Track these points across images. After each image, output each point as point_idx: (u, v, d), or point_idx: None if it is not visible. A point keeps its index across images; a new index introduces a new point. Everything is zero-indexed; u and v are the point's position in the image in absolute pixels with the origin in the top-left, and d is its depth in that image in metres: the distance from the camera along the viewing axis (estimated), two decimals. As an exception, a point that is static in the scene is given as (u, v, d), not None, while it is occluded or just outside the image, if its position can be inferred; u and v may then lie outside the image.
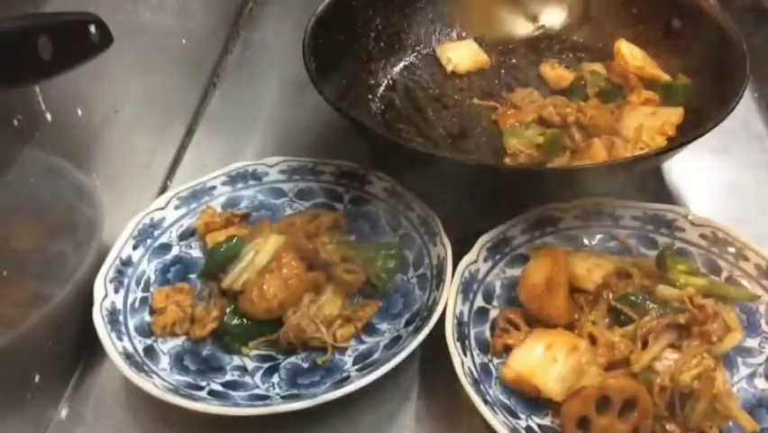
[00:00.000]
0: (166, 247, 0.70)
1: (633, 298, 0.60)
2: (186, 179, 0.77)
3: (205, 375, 0.61)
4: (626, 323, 0.59)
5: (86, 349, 0.65)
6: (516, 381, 0.57)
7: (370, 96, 0.89)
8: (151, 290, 0.67)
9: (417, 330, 0.59)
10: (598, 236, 0.69)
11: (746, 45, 0.73)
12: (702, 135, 0.65)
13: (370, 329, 0.65)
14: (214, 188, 0.74)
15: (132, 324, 0.63)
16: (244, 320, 0.63)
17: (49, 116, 0.57)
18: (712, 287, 0.62)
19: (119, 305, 0.63)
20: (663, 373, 0.55)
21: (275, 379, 0.62)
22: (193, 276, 0.69)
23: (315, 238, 0.68)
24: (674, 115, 0.77)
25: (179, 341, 0.64)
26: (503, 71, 0.92)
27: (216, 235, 0.69)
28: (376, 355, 0.62)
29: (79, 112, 0.63)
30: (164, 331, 0.63)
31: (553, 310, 0.60)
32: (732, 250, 0.65)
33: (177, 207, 0.72)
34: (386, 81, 0.91)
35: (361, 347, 0.64)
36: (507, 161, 0.77)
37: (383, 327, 0.65)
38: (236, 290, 0.63)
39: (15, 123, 0.53)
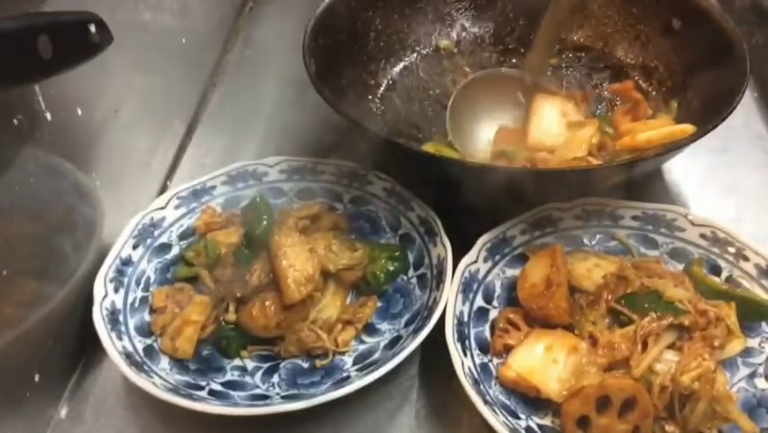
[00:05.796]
0: (166, 247, 0.70)
1: (633, 298, 0.60)
2: (186, 179, 0.77)
3: (205, 375, 0.61)
4: (626, 323, 0.59)
5: (86, 349, 0.65)
6: (516, 381, 0.57)
7: (370, 97, 0.89)
8: (151, 289, 0.67)
9: (417, 330, 0.59)
10: (598, 236, 0.70)
11: (746, 45, 0.73)
12: (702, 135, 0.65)
13: (370, 329, 0.65)
14: (214, 187, 0.74)
15: (131, 323, 0.63)
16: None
17: (49, 116, 0.57)
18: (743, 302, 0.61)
19: (119, 304, 0.63)
20: (663, 373, 0.55)
21: (275, 379, 0.62)
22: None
23: (316, 234, 0.68)
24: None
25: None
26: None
27: (216, 235, 0.69)
28: (376, 356, 0.62)
29: (79, 112, 0.63)
30: (164, 331, 0.63)
31: (552, 310, 0.60)
32: (732, 250, 0.65)
33: (177, 207, 0.72)
34: (386, 81, 0.91)
35: (361, 347, 0.64)
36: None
37: (383, 327, 0.65)
38: (254, 284, 0.63)
39: (15, 122, 0.53)
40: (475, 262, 0.65)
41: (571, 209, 0.69)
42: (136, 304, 0.65)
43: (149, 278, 0.67)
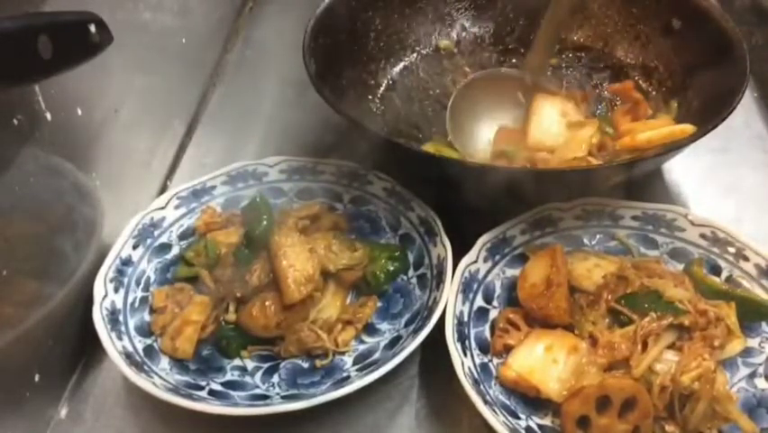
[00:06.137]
0: (166, 247, 0.70)
1: (633, 298, 0.60)
2: (186, 179, 0.77)
3: (205, 375, 0.61)
4: (626, 323, 0.59)
5: (86, 349, 0.65)
6: (516, 381, 0.57)
7: (370, 97, 0.89)
8: (151, 289, 0.67)
9: (417, 330, 0.59)
10: (598, 236, 0.70)
11: (746, 45, 0.73)
12: (702, 135, 0.65)
13: (370, 329, 0.65)
14: (214, 187, 0.74)
15: (131, 323, 0.63)
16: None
17: (49, 116, 0.57)
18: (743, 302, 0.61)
19: (119, 304, 0.63)
20: (663, 373, 0.55)
21: (275, 379, 0.62)
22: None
23: (316, 234, 0.68)
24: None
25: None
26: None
27: (216, 235, 0.69)
28: (376, 355, 0.62)
29: (79, 112, 0.63)
30: (164, 331, 0.63)
31: (552, 310, 0.60)
32: (732, 250, 0.65)
33: (177, 207, 0.72)
34: (386, 81, 0.91)
35: (362, 347, 0.64)
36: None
37: (383, 327, 0.65)
38: (254, 284, 0.63)
39: (15, 122, 0.53)
40: (475, 262, 0.65)
41: (571, 209, 0.69)
42: (136, 304, 0.65)
43: (149, 278, 0.67)
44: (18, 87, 0.51)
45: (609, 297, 0.60)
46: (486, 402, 0.54)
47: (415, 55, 0.95)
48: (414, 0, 0.94)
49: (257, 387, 0.61)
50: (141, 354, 0.61)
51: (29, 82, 0.52)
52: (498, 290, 0.66)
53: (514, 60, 0.94)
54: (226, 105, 0.98)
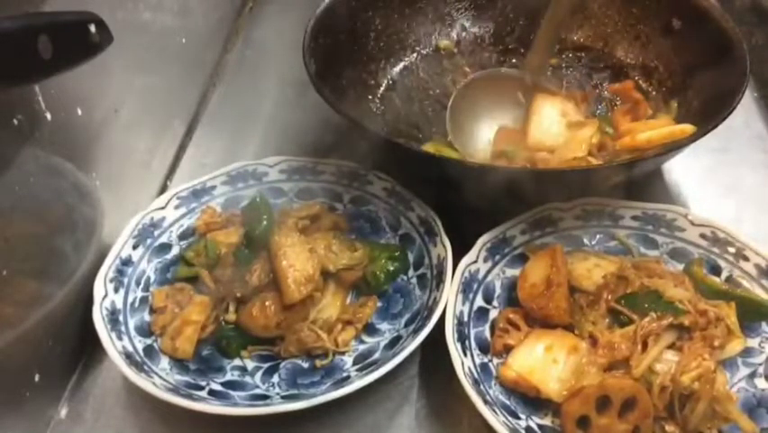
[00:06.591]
0: (166, 247, 0.70)
1: (633, 298, 0.60)
2: (186, 179, 0.77)
3: (205, 375, 0.61)
4: (626, 323, 0.58)
5: (86, 349, 0.65)
6: (516, 381, 0.57)
7: (370, 97, 0.89)
8: (151, 289, 0.67)
9: (417, 330, 0.59)
10: (598, 236, 0.70)
11: (746, 45, 0.73)
12: (702, 135, 0.65)
13: (370, 329, 0.65)
14: (214, 187, 0.74)
15: (131, 323, 0.63)
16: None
17: (49, 116, 0.57)
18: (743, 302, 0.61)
19: (119, 304, 0.63)
20: (663, 373, 0.55)
21: (275, 379, 0.62)
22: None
23: (316, 234, 0.68)
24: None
25: (179, 341, 0.64)
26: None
27: (216, 235, 0.69)
28: (376, 355, 0.62)
29: (79, 111, 0.63)
30: (164, 331, 0.63)
31: (552, 310, 0.60)
32: (732, 250, 0.65)
33: (177, 207, 0.72)
34: (386, 81, 0.91)
35: (362, 347, 0.64)
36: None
37: (383, 327, 0.65)
38: (254, 284, 0.63)
39: (15, 122, 0.53)
40: (475, 262, 0.65)
41: (571, 209, 0.69)
42: (136, 304, 0.65)
43: (149, 278, 0.67)
44: (18, 87, 0.51)
45: (609, 297, 0.60)
46: (486, 402, 0.54)
47: (415, 55, 0.95)
48: (414, 0, 0.94)
49: (257, 387, 0.61)
50: (141, 354, 0.61)
51: (29, 82, 0.52)
52: (498, 290, 0.66)
53: (514, 60, 0.94)
54: (226, 105, 0.98)
